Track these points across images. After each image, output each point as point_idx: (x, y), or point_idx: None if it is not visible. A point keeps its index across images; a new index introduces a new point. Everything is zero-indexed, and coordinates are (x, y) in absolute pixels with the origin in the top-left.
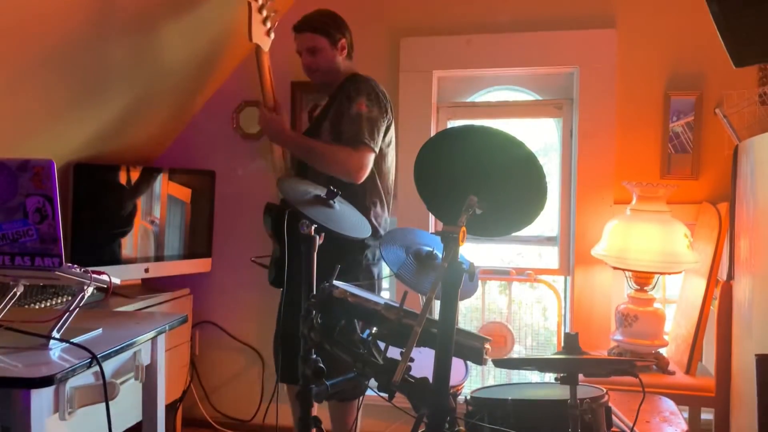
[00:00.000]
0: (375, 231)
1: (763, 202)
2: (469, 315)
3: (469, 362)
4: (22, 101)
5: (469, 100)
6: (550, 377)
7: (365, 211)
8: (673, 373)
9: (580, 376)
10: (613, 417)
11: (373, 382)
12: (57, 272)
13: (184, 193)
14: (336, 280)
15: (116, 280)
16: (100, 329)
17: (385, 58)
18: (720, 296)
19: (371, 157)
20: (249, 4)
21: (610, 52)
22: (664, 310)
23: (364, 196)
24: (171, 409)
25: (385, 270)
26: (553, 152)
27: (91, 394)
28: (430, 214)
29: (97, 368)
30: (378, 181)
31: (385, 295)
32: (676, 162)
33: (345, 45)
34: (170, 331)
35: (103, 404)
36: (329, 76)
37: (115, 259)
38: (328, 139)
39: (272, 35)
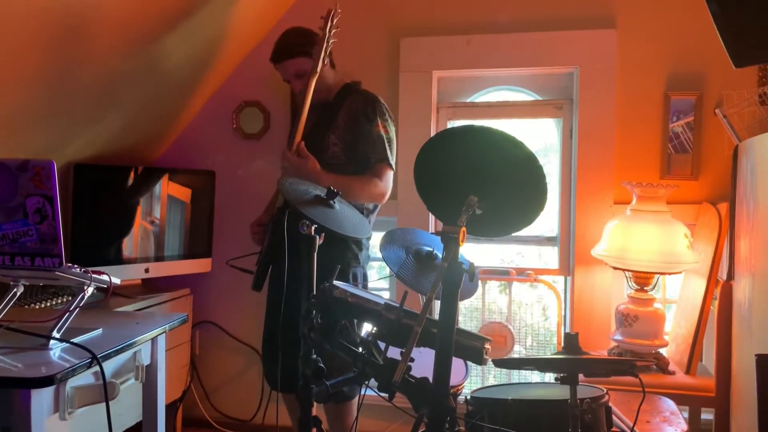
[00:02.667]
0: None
1: (763, 202)
2: (469, 315)
3: (469, 362)
4: (23, 101)
5: (469, 100)
6: (550, 377)
7: (363, 212)
8: (673, 373)
9: (580, 376)
10: (613, 417)
11: (373, 382)
12: (57, 272)
13: (184, 193)
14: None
15: (116, 280)
16: (100, 329)
17: (385, 58)
18: (720, 296)
19: (392, 176)
20: (328, 40)
21: (610, 52)
22: (664, 310)
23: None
24: (171, 409)
25: (385, 270)
26: (553, 152)
27: (91, 394)
28: (430, 214)
29: (97, 368)
30: None
31: (385, 295)
32: (676, 162)
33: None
34: (170, 331)
35: (103, 404)
36: (323, 92)
37: (115, 259)
38: (337, 152)
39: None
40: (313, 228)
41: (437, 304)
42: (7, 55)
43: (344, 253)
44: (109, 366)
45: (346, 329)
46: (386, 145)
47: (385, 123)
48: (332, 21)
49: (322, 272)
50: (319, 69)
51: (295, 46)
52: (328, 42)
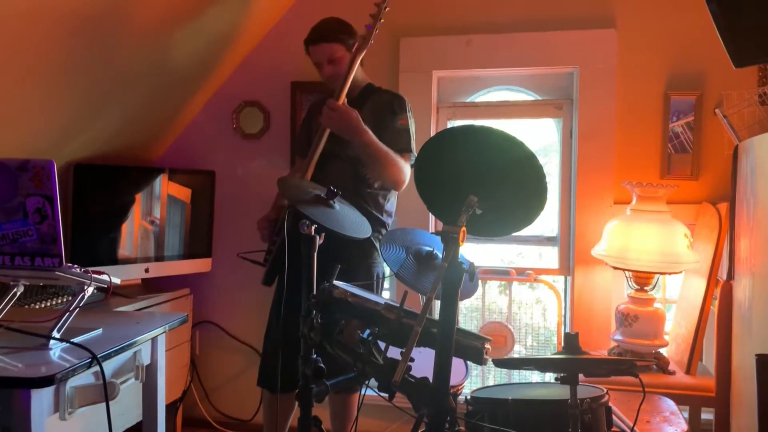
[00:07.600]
0: (384, 226)
1: (763, 202)
2: (469, 315)
3: (469, 362)
4: (23, 102)
5: (469, 100)
6: (550, 377)
7: (379, 210)
8: (673, 373)
9: (580, 376)
10: (613, 417)
11: (373, 382)
12: (57, 272)
13: (184, 193)
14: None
15: (116, 280)
16: (100, 329)
17: (385, 58)
18: (720, 296)
19: (409, 167)
20: (385, 6)
21: (610, 52)
22: (664, 310)
23: (385, 197)
24: (171, 409)
25: (386, 270)
26: (553, 152)
27: (91, 394)
28: (430, 214)
29: (97, 368)
30: None
31: (385, 295)
32: (676, 162)
33: None
34: (170, 331)
35: (103, 404)
36: (349, 88)
37: (115, 259)
38: None
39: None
40: (313, 228)
41: (437, 304)
42: (6, 53)
43: (372, 252)
44: (109, 366)
45: (347, 328)
46: (409, 135)
47: (408, 118)
48: (385, 9)
49: (350, 271)
50: (369, 44)
51: (333, 32)
52: (378, 23)
